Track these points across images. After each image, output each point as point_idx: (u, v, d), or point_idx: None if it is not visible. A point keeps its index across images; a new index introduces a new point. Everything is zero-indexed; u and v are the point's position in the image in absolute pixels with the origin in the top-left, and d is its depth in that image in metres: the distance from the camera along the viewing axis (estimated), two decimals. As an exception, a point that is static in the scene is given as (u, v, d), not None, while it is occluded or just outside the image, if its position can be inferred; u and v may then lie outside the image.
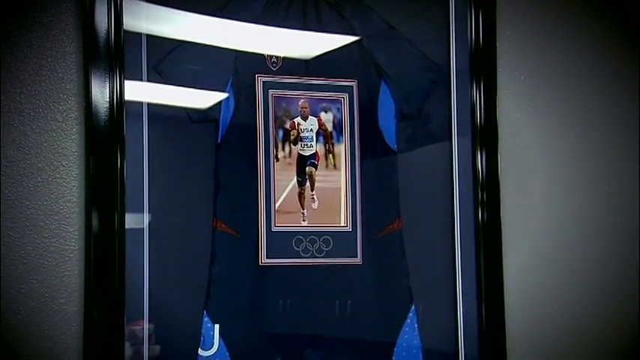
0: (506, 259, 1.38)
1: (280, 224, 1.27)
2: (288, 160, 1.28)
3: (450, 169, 1.37)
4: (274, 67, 1.29)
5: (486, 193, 1.36)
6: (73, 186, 1.14)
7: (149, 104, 1.21)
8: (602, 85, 1.58)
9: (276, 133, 1.28)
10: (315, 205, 1.29)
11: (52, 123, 1.15)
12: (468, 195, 1.37)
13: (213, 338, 1.22)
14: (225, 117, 1.27)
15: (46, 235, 1.11)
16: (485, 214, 1.35)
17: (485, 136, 1.37)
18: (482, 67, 1.38)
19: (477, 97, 1.38)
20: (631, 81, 1.58)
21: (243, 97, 1.28)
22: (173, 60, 1.23)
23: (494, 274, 1.37)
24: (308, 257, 1.28)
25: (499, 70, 1.40)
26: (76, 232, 1.12)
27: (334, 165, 1.31)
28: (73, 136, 1.15)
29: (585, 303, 1.53)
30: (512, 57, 1.43)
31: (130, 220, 1.16)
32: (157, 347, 1.18)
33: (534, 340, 1.44)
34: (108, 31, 1.16)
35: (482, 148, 1.37)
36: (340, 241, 1.31)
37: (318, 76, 1.31)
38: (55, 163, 1.14)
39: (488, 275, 1.36)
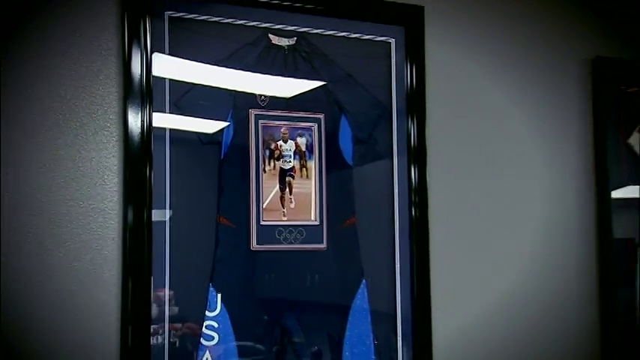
0: (432, 245, 1.42)
1: (266, 219, 1.31)
2: (272, 172, 1.32)
3: (392, 179, 1.41)
4: (263, 104, 1.34)
5: (418, 197, 1.41)
6: (114, 190, 1.17)
7: (171, 130, 1.25)
8: (528, 112, 1.56)
9: (264, 152, 1.32)
10: (292, 205, 1.34)
11: (99, 144, 1.19)
12: (404, 198, 1.42)
13: (217, 303, 1.26)
14: (226, 140, 1.31)
15: (93, 227, 1.15)
16: (417, 212, 1.41)
17: (417, 155, 1.42)
18: (415, 105, 1.43)
19: (411, 127, 1.43)
20: (536, 103, 1.57)
21: (240, 125, 1.32)
22: (189, 98, 1.28)
23: (422, 256, 1.42)
24: (287, 244, 1.32)
25: (427, 107, 1.44)
26: (116, 224, 1.16)
27: (307, 176, 1.35)
28: (114, 154, 1.18)
29: (497, 269, 1.52)
30: (437, 98, 1.46)
31: (156, 215, 1.20)
32: (176, 308, 1.21)
33: (454, 303, 1.46)
34: (141, 77, 1.21)
35: (415, 164, 1.42)
36: (311, 232, 1.35)
37: (295, 110, 1.35)
38: (100, 173, 1.18)
39: (419, 257, 1.41)
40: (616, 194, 1.56)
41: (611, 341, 1.52)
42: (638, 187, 1.62)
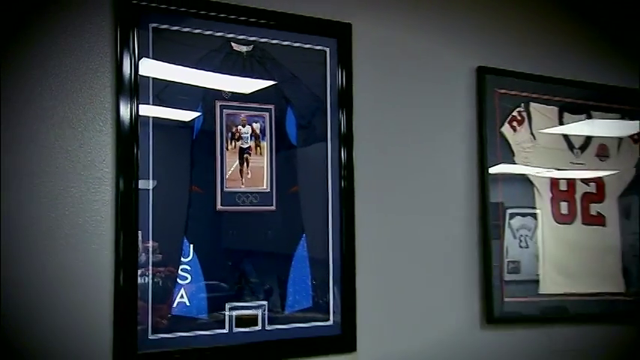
0: (356, 208, 1.51)
1: (229, 187, 1.38)
2: (233, 150, 1.39)
3: (326, 157, 1.49)
4: (226, 97, 1.40)
5: (346, 171, 1.50)
6: (109, 164, 1.26)
7: (153, 117, 1.31)
8: (430, 107, 1.65)
9: (227, 135, 1.39)
10: (249, 176, 1.40)
11: (96, 127, 1.26)
12: (336, 172, 1.50)
13: (190, 251, 1.33)
14: (197, 125, 1.37)
15: (92, 192, 1.25)
16: (345, 183, 1.50)
17: (345, 139, 1.51)
18: (344, 100, 1.51)
19: (342, 117, 1.51)
20: (434, 101, 1.66)
21: (208, 114, 1.37)
22: (167, 92, 1.34)
23: (349, 216, 1.51)
24: (245, 206, 1.40)
25: (354, 102, 1.52)
26: (110, 191, 1.25)
27: (260, 153, 1.42)
28: (108, 135, 1.26)
29: (407, 223, 1.60)
30: (361, 95, 1.54)
31: (142, 184, 1.28)
32: (158, 256, 1.30)
33: (374, 251, 1.55)
34: (130, 75, 1.27)
35: (344, 146, 1.51)
36: (263, 197, 1.42)
37: (252, 102, 1.42)
38: (97, 150, 1.26)
39: (346, 217, 1.50)
40: (492, 170, 1.70)
41: (488, 277, 1.66)
42: (507, 165, 1.74)
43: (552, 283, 1.76)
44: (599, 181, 1.88)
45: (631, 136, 1.95)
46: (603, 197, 1.88)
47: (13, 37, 1.20)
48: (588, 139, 1.88)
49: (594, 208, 1.86)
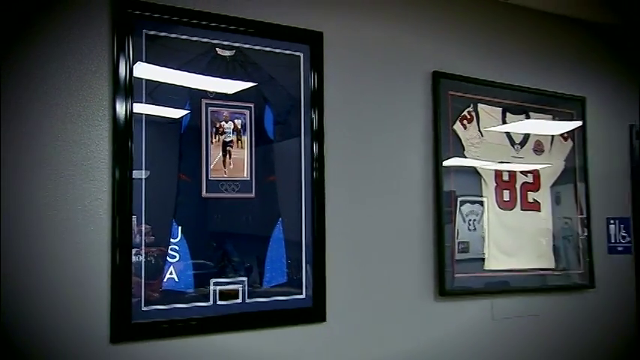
0: (327, 196, 1.57)
1: (213, 176, 1.43)
2: (217, 143, 1.43)
3: (300, 151, 1.55)
4: (211, 96, 1.45)
5: (317, 163, 1.55)
6: (106, 155, 1.32)
7: (146, 114, 1.37)
8: (392, 106, 1.68)
9: (211, 130, 1.43)
10: (231, 167, 1.45)
11: (95, 123, 1.31)
12: (308, 164, 1.54)
13: (178, 233, 1.38)
14: (185, 121, 1.42)
15: (92, 181, 1.30)
16: (316, 174, 1.56)
17: (317, 135, 1.56)
18: (316, 100, 1.57)
19: (314, 115, 1.57)
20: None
21: (195, 111, 1.43)
22: (159, 91, 1.39)
23: (320, 203, 1.56)
24: (227, 193, 1.44)
25: (325, 102, 1.59)
26: (107, 179, 1.31)
27: (241, 146, 1.47)
28: (106, 130, 1.32)
29: (373, 208, 1.63)
30: (331, 96, 1.60)
31: (136, 174, 1.33)
32: (152, 237, 1.36)
33: (342, 234, 1.59)
34: (125, 77, 1.33)
35: (316, 141, 1.57)
36: (244, 185, 1.46)
37: (234, 101, 1.47)
38: (96, 143, 1.31)
39: (317, 204, 1.55)
40: (445, 163, 1.80)
41: (441, 256, 1.73)
42: (458, 158, 1.84)
43: (496, 261, 1.88)
44: (535, 173, 2.01)
45: (561, 135, 2.09)
46: (539, 186, 2.01)
47: (22, 41, 1.25)
48: (526, 137, 2.01)
49: (531, 196, 1.99)
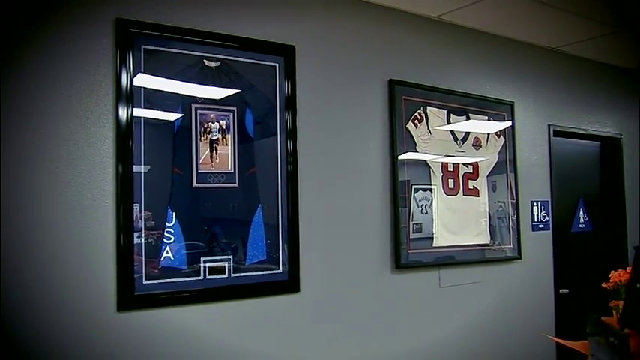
0: (300, 187, 1.67)
1: (202, 169, 1.51)
2: (205, 141, 1.51)
3: (276, 147, 1.64)
4: (200, 101, 1.53)
5: (291, 158, 1.66)
6: (110, 153, 1.40)
7: (144, 117, 1.45)
8: (355, 109, 1.80)
9: (200, 129, 1.51)
10: (217, 161, 1.53)
11: (100, 125, 1.39)
12: (284, 159, 1.64)
13: (173, 218, 1.46)
14: (177, 122, 1.50)
15: (98, 174, 1.39)
16: (291, 167, 1.65)
17: (291, 134, 1.66)
18: (290, 104, 1.67)
19: (288, 117, 1.66)
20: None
21: (186, 114, 1.51)
22: (156, 97, 1.47)
23: (294, 192, 1.65)
24: (214, 184, 1.52)
25: (297, 106, 1.68)
26: (111, 173, 1.40)
27: (226, 144, 1.54)
28: (110, 130, 1.39)
29: (341, 196, 1.71)
30: (303, 100, 1.70)
31: (136, 168, 1.41)
32: (152, 222, 1.44)
33: (313, 218, 1.65)
34: (127, 85, 1.42)
35: (290, 139, 1.66)
36: (228, 177, 1.55)
37: (220, 105, 1.55)
38: (101, 142, 1.39)
39: (292, 193, 1.64)
40: (400, 157, 1.93)
41: (397, 235, 1.83)
42: (411, 153, 1.96)
43: (443, 239, 2.05)
44: (475, 165, 2.19)
45: (495, 133, 2.27)
46: (477, 176, 2.19)
47: (39, 57, 1.32)
48: (467, 134, 2.17)
49: (471, 184, 2.17)
